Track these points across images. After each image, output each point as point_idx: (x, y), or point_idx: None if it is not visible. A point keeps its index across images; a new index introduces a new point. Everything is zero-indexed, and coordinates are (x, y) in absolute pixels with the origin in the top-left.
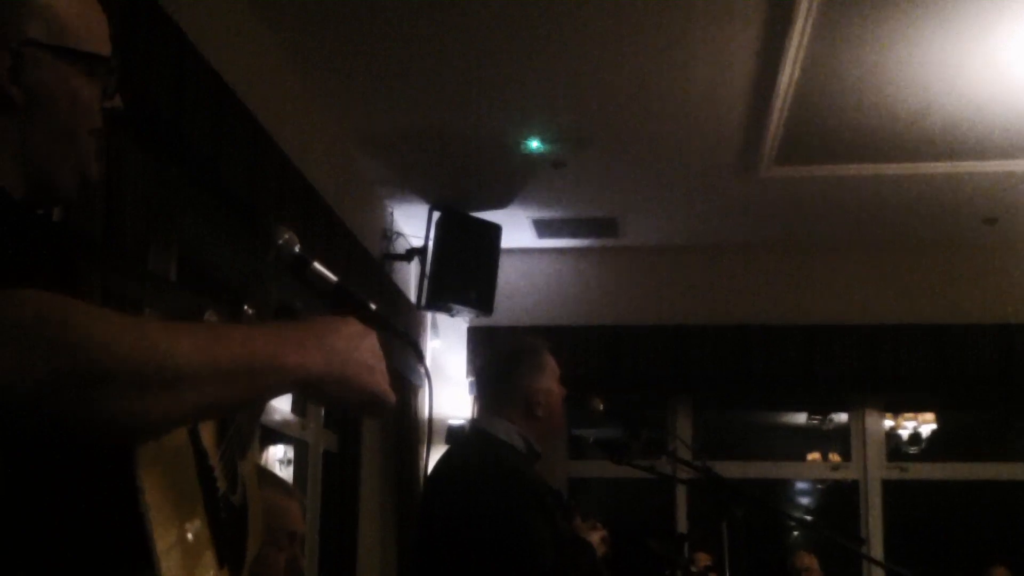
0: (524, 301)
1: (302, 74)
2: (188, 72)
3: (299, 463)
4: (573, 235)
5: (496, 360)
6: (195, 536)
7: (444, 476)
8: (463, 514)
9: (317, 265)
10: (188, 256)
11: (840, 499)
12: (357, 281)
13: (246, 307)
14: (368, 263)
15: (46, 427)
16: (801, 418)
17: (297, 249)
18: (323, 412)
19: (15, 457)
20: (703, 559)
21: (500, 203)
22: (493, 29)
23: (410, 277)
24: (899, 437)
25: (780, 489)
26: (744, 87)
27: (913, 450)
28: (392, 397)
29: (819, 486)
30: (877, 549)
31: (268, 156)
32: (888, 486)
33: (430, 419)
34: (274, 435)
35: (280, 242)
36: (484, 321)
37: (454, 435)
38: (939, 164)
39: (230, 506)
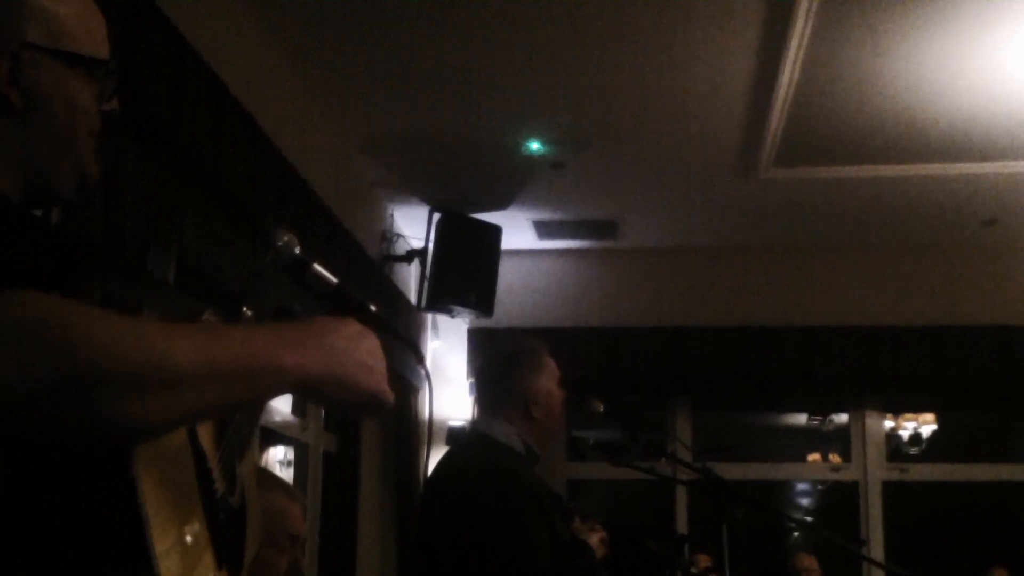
0: (524, 302)
1: (301, 76)
2: (187, 74)
3: (299, 464)
4: (573, 237)
5: (495, 361)
6: (194, 538)
7: (444, 478)
8: (462, 516)
9: (316, 267)
10: (187, 258)
11: (840, 500)
12: (357, 283)
13: (244, 309)
14: (368, 265)
15: (45, 428)
16: (801, 419)
17: (297, 251)
18: (323, 413)
19: (14, 459)
20: (703, 560)
21: (500, 205)
22: (492, 31)
23: (410, 279)
24: (899, 438)
25: (780, 490)
26: (743, 89)
27: (913, 451)
28: (391, 398)
29: (819, 487)
30: (877, 550)
31: (267, 158)
32: (888, 487)
33: (430, 420)
34: (274, 436)
35: (279, 244)
36: (484, 323)
37: (454, 436)
38: (938, 166)
39: (229, 508)
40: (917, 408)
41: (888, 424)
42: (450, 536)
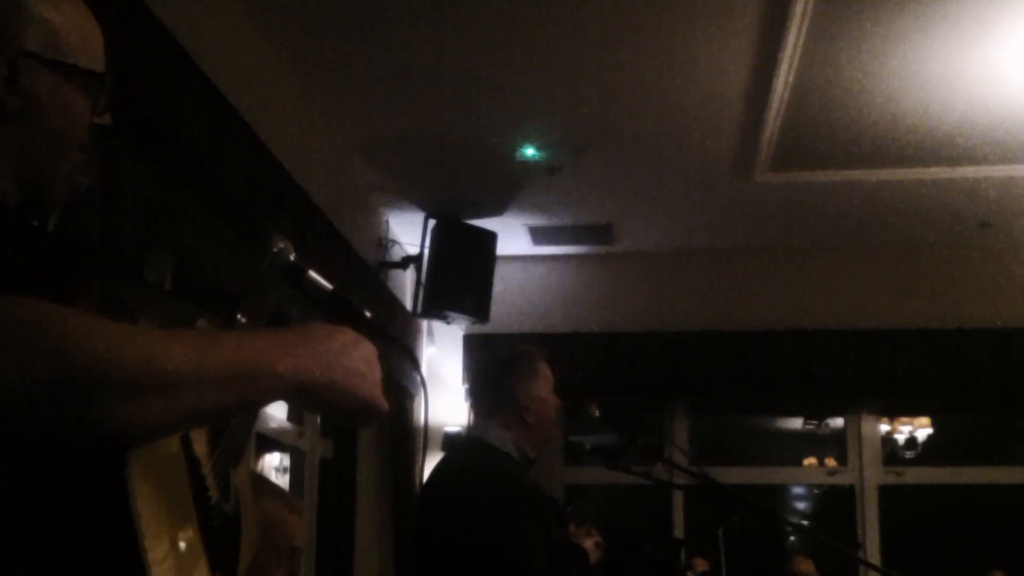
0: (520, 308)
1: (299, 81)
2: (185, 80)
3: (295, 471)
4: (569, 242)
5: (490, 367)
6: (187, 545)
7: (440, 483)
8: (458, 521)
9: (312, 274)
10: (185, 263)
11: (837, 504)
12: (353, 289)
13: (239, 316)
14: (364, 271)
15: (44, 428)
16: (797, 423)
17: (292, 258)
18: (319, 420)
19: (12, 460)
20: (701, 564)
21: (496, 210)
22: (487, 36)
23: (406, 285)
24: (895, 442)
25: (777, 494)
26: (740, 92)
27: (909, 454)
28: (385, 405)
29: (816, 491)
30: (874, 554)
31: (265, 163)
32: (884, 491)
33: (426, 426)
34: (270, 443)
35: (275, 250)
36: (480, 328)
37: (450, 442)
38: (935, 169)
39: (223, 515)
40: (914, 411)
41: (884, 428)
42: (446, 541)
